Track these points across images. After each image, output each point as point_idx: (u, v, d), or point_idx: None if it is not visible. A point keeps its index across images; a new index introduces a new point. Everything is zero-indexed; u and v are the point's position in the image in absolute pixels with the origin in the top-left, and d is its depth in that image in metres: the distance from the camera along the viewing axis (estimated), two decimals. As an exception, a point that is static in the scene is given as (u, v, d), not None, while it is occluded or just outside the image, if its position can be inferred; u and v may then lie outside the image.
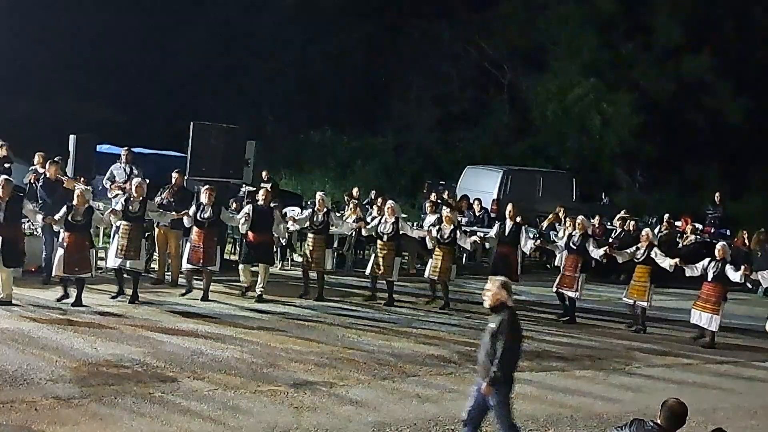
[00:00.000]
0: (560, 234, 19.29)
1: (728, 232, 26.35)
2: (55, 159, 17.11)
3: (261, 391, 10.71)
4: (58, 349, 11.69)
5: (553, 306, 17.98)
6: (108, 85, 35.15)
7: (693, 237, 24.31)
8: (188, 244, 15.88)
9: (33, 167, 17.52)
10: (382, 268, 16.88)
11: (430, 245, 17.42)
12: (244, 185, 20.64)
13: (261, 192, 16.65)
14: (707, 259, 16.34)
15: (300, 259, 20.92)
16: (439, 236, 17.06)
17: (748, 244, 23.97)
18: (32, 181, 16.86)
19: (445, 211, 17.77)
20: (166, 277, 17.18)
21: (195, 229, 15.66)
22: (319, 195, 17.57)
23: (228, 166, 18.88)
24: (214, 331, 13.51)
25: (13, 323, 12.90)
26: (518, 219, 17.64)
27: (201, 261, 15.66)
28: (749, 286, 18.70)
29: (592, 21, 39.39)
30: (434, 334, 14.91)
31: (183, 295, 15.98)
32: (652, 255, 16.77)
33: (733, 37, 39.38)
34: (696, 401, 11.41)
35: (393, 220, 17.03)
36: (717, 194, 28.11)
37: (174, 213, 15.89)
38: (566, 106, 39.03)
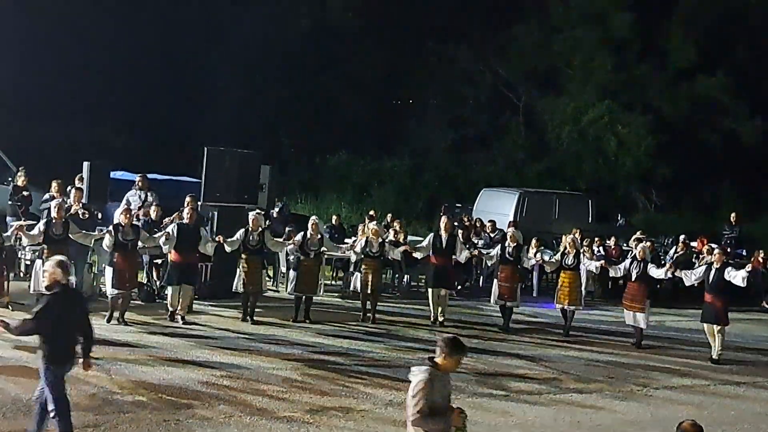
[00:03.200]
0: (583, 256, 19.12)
1: (744, 252, 26.21)
2: (79, 186, 17.34)
3: (277, 417, 10.67)
4: (72, 376, 11.62)
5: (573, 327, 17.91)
6: (123, 112, 35.35)
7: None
8: (110, 269, 15.12)
9: (50, 194, 17.62)
10: (307, 285, 16.71)
11: (354, 258, 17.47)
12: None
13: (186, 210, 16.05)
14: (629, 260, 17.12)
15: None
16: (368, 250, 17.08)
17: (763, 263, 23.85)
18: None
19: (372, 224, 18.02)
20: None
21: (117, 253, 14.95)
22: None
23: (242, 191, 18.88)
24: (229, 358, 13.47)
25: (28, 351, 12.89)
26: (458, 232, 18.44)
27: (128, 285, 15.10)
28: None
29: (607, 43, 39.45)
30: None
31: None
32: (582, 262, 17.48)
33: (747, 57, 39.42)
34: (715, 422, 11.40)
35: (318, 237, 16.83)
36: (733, 214, 27.96)
37: (96, 233, 15.50)
38: (581, 127, 39.12)
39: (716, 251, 16.61)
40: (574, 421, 11.61)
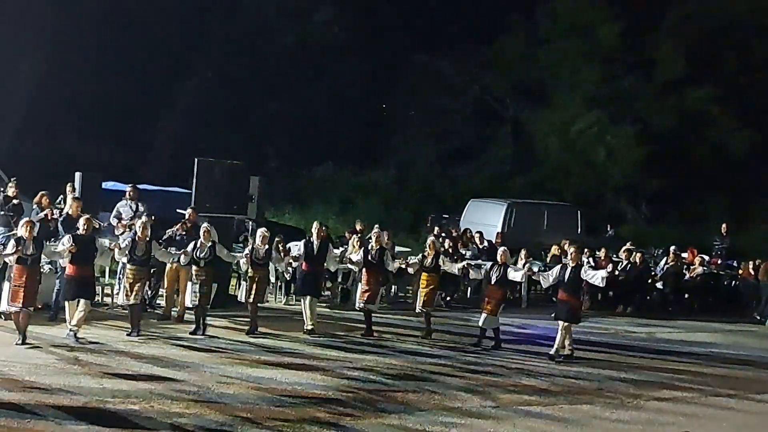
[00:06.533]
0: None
1: (735, 263, 26.27)
2: (77, 196, 17.36)
3: (268, 426, 10.60)
4: (65, 386, 11.60)
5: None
6: (112, 124, 35.40)
7: (701, 269, 24.29)
8: (7, 284, 14.12)
9: (37, 205, 17.66)
10: (198, 295, 15.81)
11: (243, 267, 17.04)
12: (248, 221, 20.58)
13: (81, 220, 14.96)
14: (489, 263, 17.35)
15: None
16: (254, 258, 16.45)
17: (754, 274, 23.93)
18: (49, 219, 16.97)
19: (261, 230, 17.00)
20: (173, 312, 17.09)
21: (16, 266, 13.90)
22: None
23: (232, 202, 18.95)
24: (219, 367, 13.45)
25: (20, 361, 12.83)
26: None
27: (22, 302, 13.82)
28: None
29: (594, 54, 39.57)
30: (432, 368, 14.78)
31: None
32: (440, 263, 17.28)
33: (736, 68, 39.53)
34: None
35: (210, 244, 16.02)
36: (723, 225, 28.04)
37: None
38: (569, 139, 39.15)
39: (572, 250, 16.53)
40: (563, 432, 11.60)
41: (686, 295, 24.55)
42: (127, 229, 18.15)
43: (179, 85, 37.67)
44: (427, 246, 17.55)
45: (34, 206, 18.02)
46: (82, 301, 14.49)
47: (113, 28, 36.04)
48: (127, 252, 15.31)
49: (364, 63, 41.88)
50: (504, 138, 43.10)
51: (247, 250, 16.77)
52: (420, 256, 17.65)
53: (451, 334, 17.78)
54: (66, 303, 14.71)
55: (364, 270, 17.20)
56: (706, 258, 25.62)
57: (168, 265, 16.68)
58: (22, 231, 14.10)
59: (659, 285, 23.86)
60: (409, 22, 41.82)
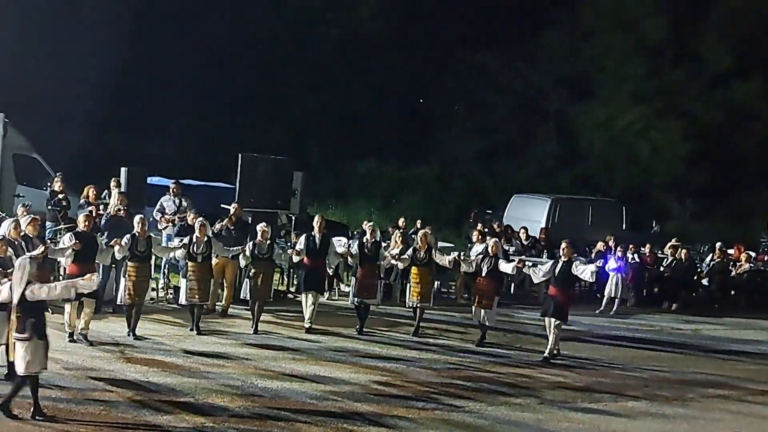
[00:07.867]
0: (609, 263, 18.86)
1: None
2: (123, 191, 17.65)
3: (311, 422, 10.62)
4: (104, 380, 11.69)
5: (602, 337, 17.77)
6: (157, 119, 35.68)
7: (747, 265, 23.99)
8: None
9: (84, 199, 17.87)
10: (197, 293, 15.38)
11: (242, 263, 16.36)
12: (287, 215, 20.64)
13: (81, 217, 14.41)
14: (480, 255, 16.68)
15: (347, 289, 20.85)
16: (257, 252, 15.88)
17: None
18: (95, 214, 17.18)
19: (261, 225, 16.45)
20: (217, 307, 17.13)
21: None
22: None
23: (276, 197, 19.03)
24: (264, 362, 13.52)
25: (67, 355, 12.95)
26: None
27: None
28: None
29: (639, 48, 39.25)
30: (477, 364, 14.75)
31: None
32: (433, 256, 16.81)
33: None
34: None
35: (206, 239, 15.50)
36: (770, 221, 27.71)
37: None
38: (614, 134, 38.90)
39: (563, 245, 15.78)
40: (609, 429, 11.50)
41: (732, 292, 24.28)
42: (170, 224, 18.29)
43: (223, 80, 37.88)
44: (419, 239, 17.14)
45: (82, 200, 18.22)
46: (86, 301, 13.69)
47: (158, 23, 36.35)
48: (127, 249, 14.61)
49: (408, 58, 41.88)
50: (548, 133, 42.91)
51: (249, 246, 16.14)
52: (411, 250, 17.08)
53: (495, 330, 17.57)
54: (67, 305, 13.75)
55: (359, 264, 16.82)
56: (753, 254, 25.27)
57: (214, 260, 16.63)
58: (29, 228, 13.30)
59: (705, 282, 23.68)
60: (453, 16, 41.72)
